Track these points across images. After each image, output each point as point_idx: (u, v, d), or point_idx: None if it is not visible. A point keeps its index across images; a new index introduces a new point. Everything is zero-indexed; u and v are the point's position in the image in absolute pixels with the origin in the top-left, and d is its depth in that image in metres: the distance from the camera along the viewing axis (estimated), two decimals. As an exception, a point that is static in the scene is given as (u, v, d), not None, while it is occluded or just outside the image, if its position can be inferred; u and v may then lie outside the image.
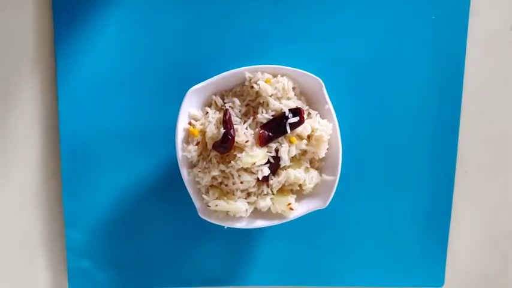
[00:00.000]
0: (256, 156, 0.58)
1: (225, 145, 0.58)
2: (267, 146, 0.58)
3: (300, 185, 0.60)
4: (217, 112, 0.60)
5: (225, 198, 0.59)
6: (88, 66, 0.66)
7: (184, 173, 0.60)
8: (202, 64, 0.65)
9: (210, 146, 0.59)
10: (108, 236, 0.67)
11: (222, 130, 0.58)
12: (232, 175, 0.59)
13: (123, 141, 0.66)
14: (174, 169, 0.63)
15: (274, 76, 0.59)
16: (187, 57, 0.65)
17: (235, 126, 0.58)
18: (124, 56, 0.65)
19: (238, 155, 0.58)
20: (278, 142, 0.59)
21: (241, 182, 0.59)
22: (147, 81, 0.66)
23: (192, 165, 0.61)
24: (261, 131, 0.58)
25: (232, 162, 0.58)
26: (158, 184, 0.67)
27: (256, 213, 0.61)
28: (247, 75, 0.59)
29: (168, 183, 0.67)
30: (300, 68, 0.60)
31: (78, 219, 0.67)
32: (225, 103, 0.60)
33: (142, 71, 0.66)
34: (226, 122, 0.58)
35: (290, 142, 0.59)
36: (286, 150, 0.58)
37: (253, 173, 0.59)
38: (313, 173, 0.60)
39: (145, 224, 0.68)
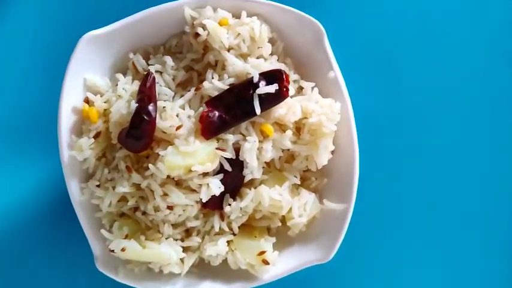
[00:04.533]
0: (194, 155, 0.40)
1: (137, 133, 0.40)
2: (218, 139, 0.42)
3: (282, 219, 0.46)
4: (137, 82, 0.44)
5: (143, 237, 0.43)
6: None
7: (72, 189, 0.44)
8: None
9: (115, 139, 0.42)
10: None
11: (134, 105, 0.40)
12: (153, 193, 0.42)
13: None
14: (61, 184, 0.45)
15: (236, 16, 0.45)
16: None
17: (163, 103, 0.42)
18: None
19: (161, 153, 0.40)
20: (240, 133, 0.43)
21: (170, 207, 0.42)
22: (14, 32, 0.50)
23: (88, 176, 0.45)
24: (206, 110, 0.41)
25: (150, 167, 0.40)
26: (36, 212, 0.51)
27: (203, 268, 0.46)
28: (188, 13, 0.44)
29: (51, 210, 0.51)
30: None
31: None
32: (149, 65, 0.44)
33: (16, 16, 0.50)
34: (144, 93, 0.41)
35: (263, 134, 0.43)
36: (255, 149, 0.42)
37: (193, 191, 0.43)
38: (308, 196, 0.45)
39: (14, 278, 0.51)
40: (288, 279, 0.46)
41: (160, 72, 0.43)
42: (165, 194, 0.41)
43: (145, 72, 0.44)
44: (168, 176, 0.41)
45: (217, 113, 0.40)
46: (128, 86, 0.43)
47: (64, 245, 0.52)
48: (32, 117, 0.51)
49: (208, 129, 0.40)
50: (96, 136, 0.43)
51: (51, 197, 0.52)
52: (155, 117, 0.40)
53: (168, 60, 0.44)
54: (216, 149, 0.41)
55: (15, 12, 0.51)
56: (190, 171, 0.40)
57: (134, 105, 0.40)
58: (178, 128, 0.40)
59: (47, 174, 0.52)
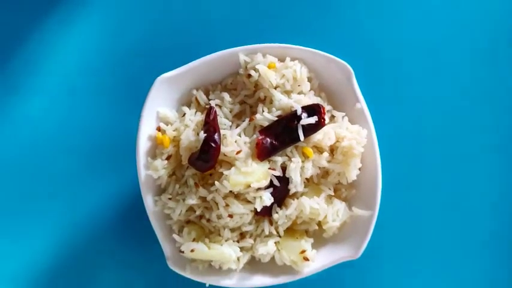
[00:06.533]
0: (252, 174, 0.45)
1: (206, 156, 0.46)
2: (269, 161, 0.47)
3: (319, 223, 0.50)
4: (199, 113, 0.49)
5: (207, 240, 0.48)
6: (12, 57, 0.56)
7: (148, 201, 0.49)
8: (178, 46, 0.55)
9: (185, 161, 0.48)
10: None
11: (202, 135, 0.46)
12: (216, 204, 0.47)
13: (63, 161, 0.55)
14: (136, 197, 0.51)
15: (281, 60, 0.49)
16: (158, 37, 0.55)
17: (222, 131, 0.47)
18: (66, 39, 0.56)
19: (226, 172, 0.46)
20: (286, 155, 0.47)
21: (230, 216, 0.47)
22: (100, 72, 0.56)
23: (160, 191, 0.50)
24: (260, 137, 0.46)
25: (216, 183, 0.46)
26: (113, 221, 0.55)
27: (254, 264, 0.50)
28: (242, 58, 0.49)
29: (127, 219, 0.55)
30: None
31: (1, 272, 0.56)
32: (209, 100, 0.49)
33: (93, 57, 0.56)
34: (209, 124, 0.46)
35: (304, 156, 0.47)
36: (298, 168, 0.47)
37: (249, 202, 0.47)
38: (339, 205, 0.49)
39: (95, 279, 0.56)
40: (324, 273, 0.49)
41: (220, 106, 0.48)
42: (227, 205, 0.46)
43: (206, 105, 0.49)
44: (230, 191, 0.45)
45: (269, 140, 0.46)
46: (193, 117, 0.48)
47: (139, 248, 0.55)
48: (111, 143, 0.54)
49: (263, 153, 0.45)
50: (167, 158, 0.48)
51: (129, 208, 0.55)
52: (219, 144, 0.45)
53: (226, 96, 0.48)
54: (269, 168, 0.46)
55: (101, 57, 0.55)
56: (249, 186, 0.45)
57: (203, 135, 0.45)
58: (238, 152, 0.45)
59: (128, 190, 0.55)
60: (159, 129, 0.48)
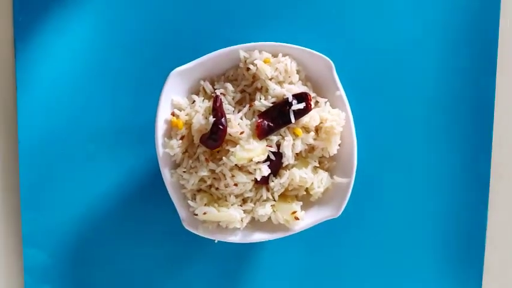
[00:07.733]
0: (253, 151, 0.51)
1: (215, 137, 0.52)
2: (267, 139, 0.52)
3: (306, 189, 0.55)
4: (206, 100, 0.54)
5: (216, 205, 0.53)
6: (48, 50, 0.60)
7: (165, 174, 0.54)
8: (187, 43, 0.59)
9: (196, 141, 0.53)
10: (75, 256, 0.61)
11: (212, 119, 0.51)
12: (224, 175, 0.53)
13: (92, 141, 0.60)
14: (154, 171, 0.57)
15: (275, 56, 0.54)
16: (170, 35, 0.60)
17: (227, 115, 0.52)
18: (90, 32, 0.60)
19: (232, 149, 0.51)
20: (280, 135, 0.53)
21: (235, 184, 0.52)
22: (120, 64, 0.60)
23: (175, 165, 0.55)
24: (259, 120, 0.52)
25: (224, 158, 0.52)
26: (135, 190, 0.61)
27: (254, 224, 0.55)
28: (242, 54, 0.53)
29: (147, 189, 0.60)
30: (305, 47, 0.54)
31: (39, 235, 0.61)
32: (215, 89, 0.54)
33: (114, 52, 0.60)
34: (217, 110, 0.52)
35: (295, 135, 0.53)
36: (290, 145, 0.52)
37: (250, 173, 0.53)
38: (323, 174, 0.54)
39: (120, 240, 0.61)
40: (311, 229, 0.54)
41: (224, 94, 0.53)
42: (233, 176, 0.51)
43: (212, 94, 0.53)
44: (235, 164, 0.51)
45: (266, 122, 0.51)
46: (202, 104, 0.53)
47: (158, 214, 0.60)
48: (137, 127, 0.59)
49: (262, 133, 0.51)
50: (181, 138, 0.53)
51: (150, 181, 0.60)
52: (226, 126, 0.51)
53: (229, 86, 0.53)
54: (266, 146, 0.51)
55: (117, 56, 0.59)
56: (251, 160, 0.50)
57: (212, 119, 0.50)
58: (241, 133, 0.51)
59: (147, 165, 0.59)
60: (173, 114, 0.53)
